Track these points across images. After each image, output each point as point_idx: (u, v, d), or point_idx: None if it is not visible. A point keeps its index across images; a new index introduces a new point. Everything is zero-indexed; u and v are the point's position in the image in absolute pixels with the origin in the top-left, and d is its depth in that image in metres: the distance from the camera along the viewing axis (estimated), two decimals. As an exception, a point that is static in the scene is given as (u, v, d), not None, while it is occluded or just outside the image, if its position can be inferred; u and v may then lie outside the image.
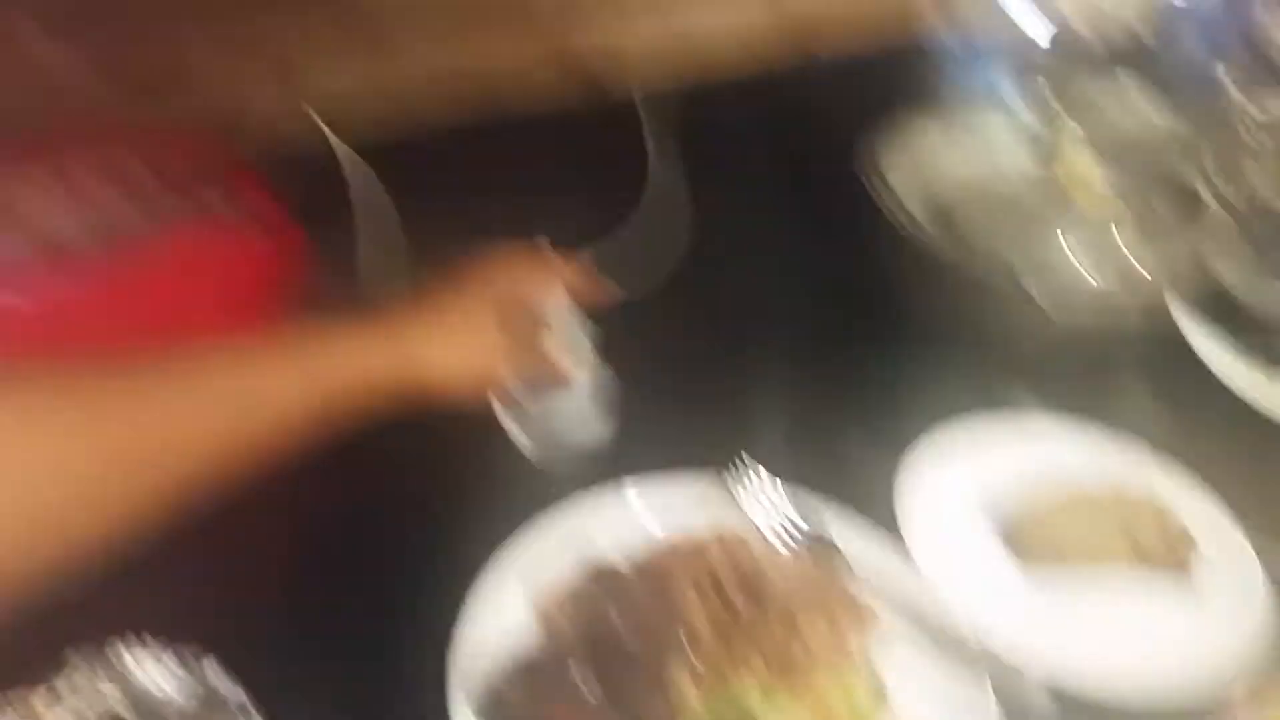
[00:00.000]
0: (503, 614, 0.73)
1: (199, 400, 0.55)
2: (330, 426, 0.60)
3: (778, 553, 0.78)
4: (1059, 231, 1.01)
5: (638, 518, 0.81)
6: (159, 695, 0.57)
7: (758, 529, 0.81)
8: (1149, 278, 1.00)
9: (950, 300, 1.00)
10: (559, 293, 0.80)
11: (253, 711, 0.58)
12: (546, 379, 0.81)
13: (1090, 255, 1.00)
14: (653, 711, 0.66)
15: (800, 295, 1.05)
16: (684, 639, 0.70)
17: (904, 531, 0.81)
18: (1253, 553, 0.84)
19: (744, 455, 0.84)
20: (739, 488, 0.83)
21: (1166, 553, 0.83)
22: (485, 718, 0.66)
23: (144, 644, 0.59)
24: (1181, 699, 0.73)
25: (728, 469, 0.84)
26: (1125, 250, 1.00)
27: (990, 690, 0.70)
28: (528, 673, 0.68)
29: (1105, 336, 0.99)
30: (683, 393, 0.92)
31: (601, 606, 0.73)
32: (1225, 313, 1.03)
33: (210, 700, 0.58)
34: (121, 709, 0.57)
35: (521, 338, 0.76)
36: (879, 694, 0.70)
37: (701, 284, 1.04)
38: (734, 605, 0.73)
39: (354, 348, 0.63)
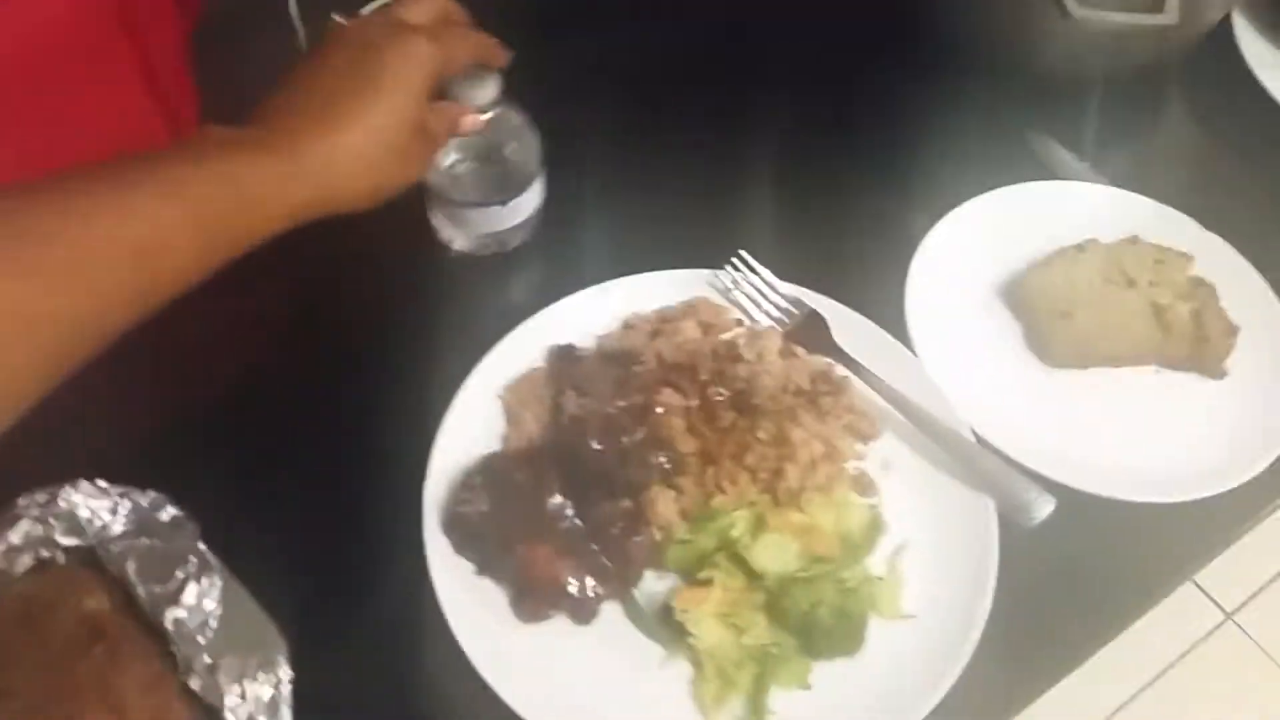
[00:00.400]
0: (476, 429, 0.69)
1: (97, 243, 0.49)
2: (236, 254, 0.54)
3: (772, 356, 0.72)
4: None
5: (619, 311, 0.75)
6: (110, 531, 0.56)
7: (752, 326, 0.75)
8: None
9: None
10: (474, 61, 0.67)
11: (208, 552, 0.57)
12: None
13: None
14: (636, 539, 0.64)
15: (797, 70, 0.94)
16: (663, 456, 0.66)
17: (912, 332, 0.74)
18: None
19: (741, 254, 0.77)
20: (736, 287, 0.76)
21: (1197, 336, 0.75)
22: (462, 552, 0.64)
23: (94, 484, 0.58)
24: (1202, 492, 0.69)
25: (724, 268, 0.77)
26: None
27: (993, 509, 0.66)
28: (504, 507, 0.64)
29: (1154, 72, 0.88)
30: (673, 190, 0.84)
31: (573, 398, 0.69)
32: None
33: (160, 530, 0.57)
34: (69, 542, 0.56)
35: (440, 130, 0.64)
36: (874, 519, 0.67)
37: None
38: (720, 419, 0.69)
39: (254, 180, 0.54)
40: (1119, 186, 0.84)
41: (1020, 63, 0.87)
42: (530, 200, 0.77)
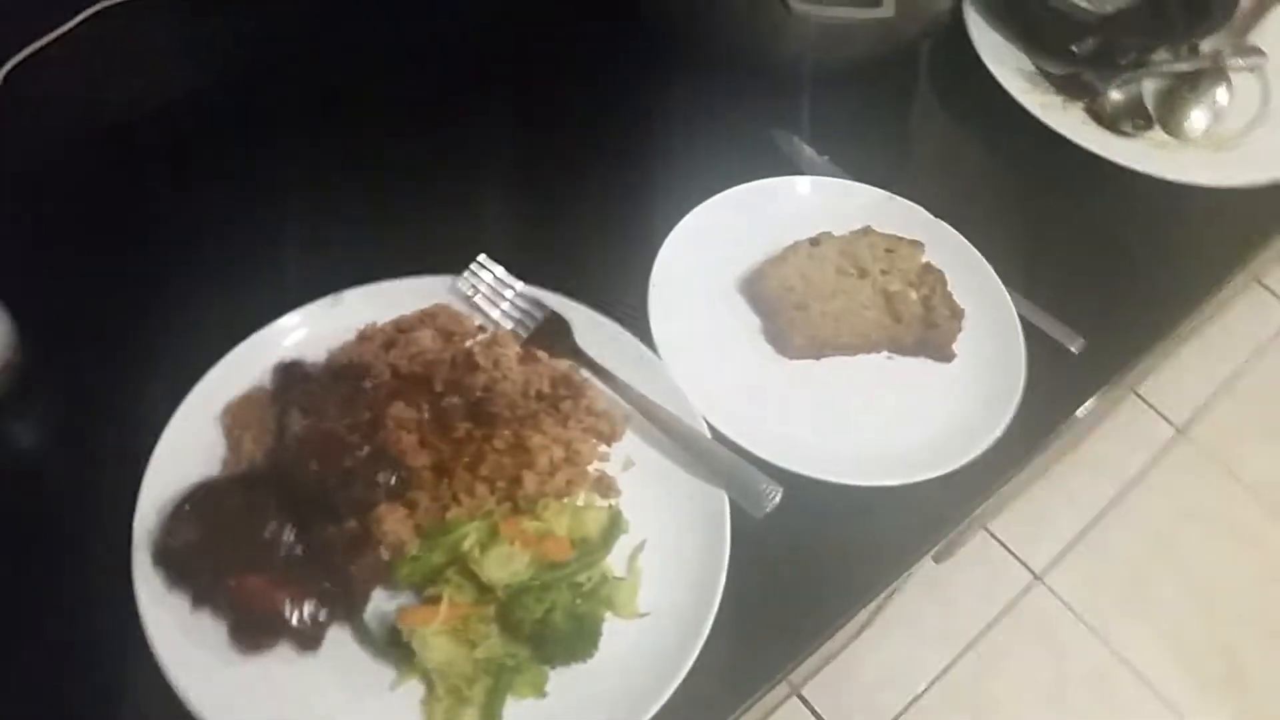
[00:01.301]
0: (193, 455, 0.66)
1: None
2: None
3: (510, 362, 0.70)
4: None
5: (353, 322, 0.73)
6: None
7: (493, 329, 0.74)
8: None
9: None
10: None
11: None
12: None
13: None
14: (360, 560, 0.61)
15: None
16: (391, 473, 0.64)
17: (655, 331, 0.74)
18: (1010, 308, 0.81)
19: (481, 258, 0.76)
20: (476, 290, 0.75)
21: (926, 322, 0.79)
22: (176, 586, 0.60)
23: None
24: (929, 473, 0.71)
25: (464, 273, 0.75)
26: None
27: (725, 502, 0.67)
28: (216, 536, 0.61)
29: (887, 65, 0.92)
30: (411, 194, 0.82)
31: (296, 417, 0.66)
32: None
33: None
34: None
35: None
36: (614, 520, 0.66)
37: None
38: (454, 430, 0.67)
39: None
40: (859, 180, 0.87)
41: (756, 59, 0.89)
42: None
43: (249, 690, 0.59)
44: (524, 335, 0.74)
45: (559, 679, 0.61)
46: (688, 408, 0.71)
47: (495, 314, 0.74)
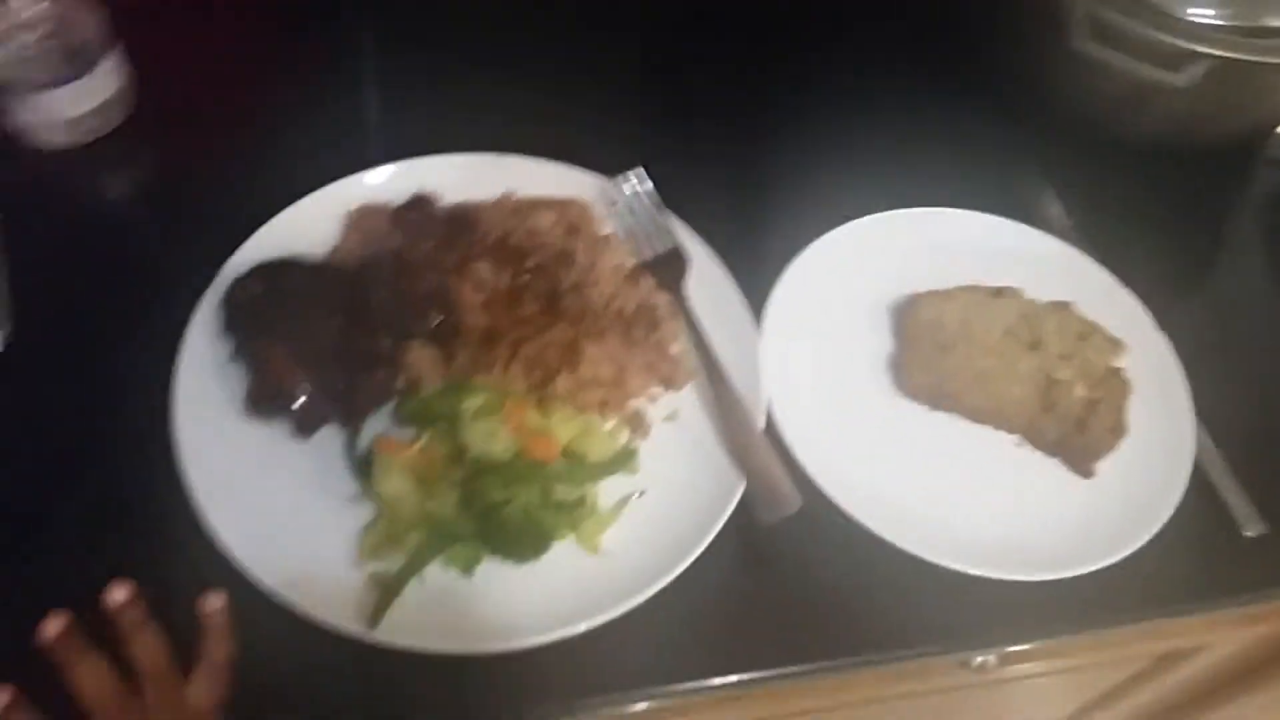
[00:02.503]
0: (310, 232, 0.70)
1: None
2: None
3: (606, 271, 0.69)
4: None
5: (505, 182, 0.74)
6: None
7: (610, 236, 0.72)
8: None
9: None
10: None
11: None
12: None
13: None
14: (374, 383, 0.63)
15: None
16: (440, 316, 0.65)
17: (771, 306, 0.70)
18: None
19: (640, 171, 0.74)
20: (620, 198, 0.74)
21: (1078, 424, 0.68)
22: (226, 331, 0.65)
23: None
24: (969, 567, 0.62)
25: (616, 178, 0.74)
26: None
27: (738, 492, 0.62)
28: (277, 301, 0.64)
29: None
30: (606, 95, 0.83)
31: (396, 236, 0.69)
32: None
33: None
34: None
35: None
36: (624, 457, 0.63)
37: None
38: (522, 307, 0.67)
39: None
40: (1096, 258, 0.76)
41: (1032, 93, 0.81)
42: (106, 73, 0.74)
43: (234, 446, 0.61)
44: (645, 257, 0.71)
45: (490, 571, 0.59)
46: (757, 392, 0.65)
47: (628, 224, 0.73)
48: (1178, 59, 0.71)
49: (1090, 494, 0.67)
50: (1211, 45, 0.71)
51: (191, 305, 0.66)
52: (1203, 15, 0.74)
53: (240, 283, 0.65)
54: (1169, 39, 0.71)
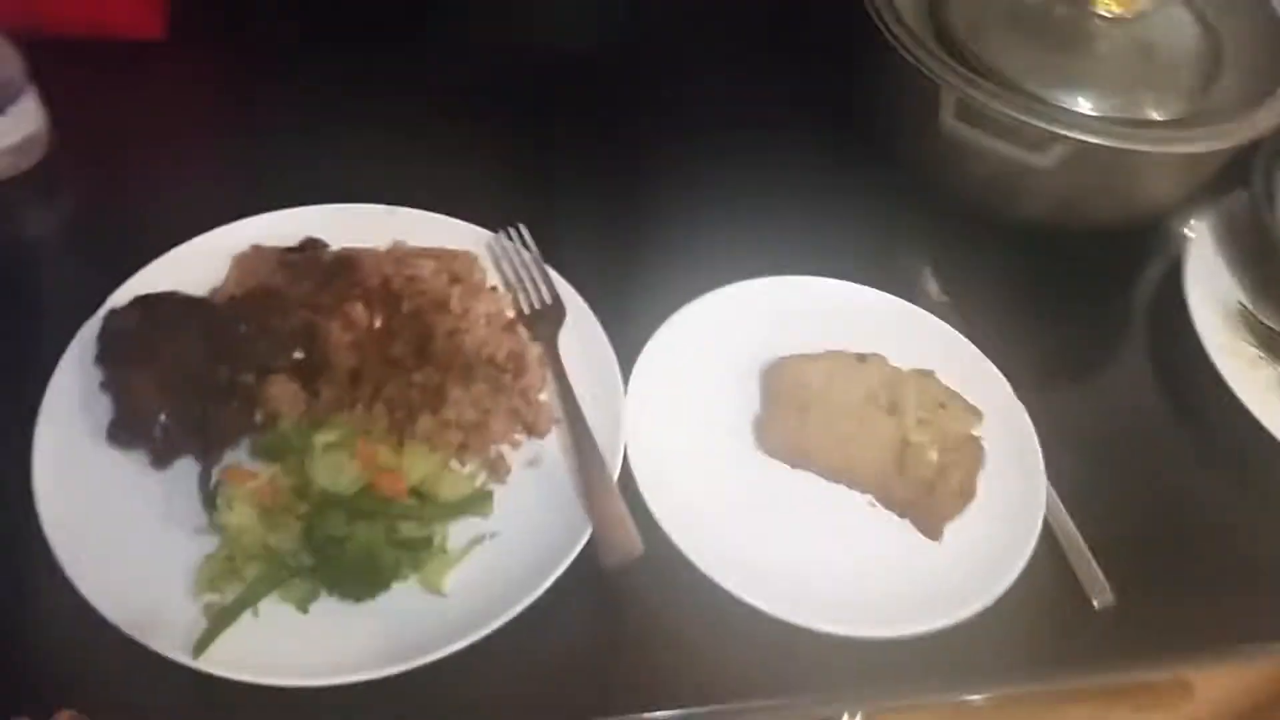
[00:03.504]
0: (196, 274, 0.72)
1: None
2: None
3: (478, 318, 0.71)
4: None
5: (393, 232, 0.76)
6: None
7: (491, 287, 0.75)
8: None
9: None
10: None
11: None
12: None
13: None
14: (229, 414, 0.64)
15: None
16: (301, 352, 0.66)
17: (641, 361, 0.72)
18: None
19: (521, 226, 0.77)
20: (504, 251, 0.76)
21: (927, 487, 0.69)
22: (98, 361, 0.66)
23: None
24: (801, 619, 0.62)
25: (500, 231, 0.77)
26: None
27: (584, 535, 0.63)
28: (149, 334, 0.66)
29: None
30: (492, 150, 0.86)
31: (280, 276, 0.71)
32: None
33: None
34: None
35: None
36: (477, 499, 0.64)
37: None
38: (391, 349, 0.69)
39: None
40: (969, 335, 0.78)
41: (908, 171, 0.84)
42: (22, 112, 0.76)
43: (93, 476, 0.62)
44: (523, 309, 0.74)
45: (325, 607, 0.60)
46: (615, 440, 0.67)
47: (509, 277, 0.75)
48: (1041, 141, 0.74)
49: (938, 556, 0.68)
50: (1072, 129, 0.74)
51: (69, 337, 0.67)
52: (1072, 103, 0.78)
53: (116, 313, 0.67)
54: (1031, 121, 0.74)
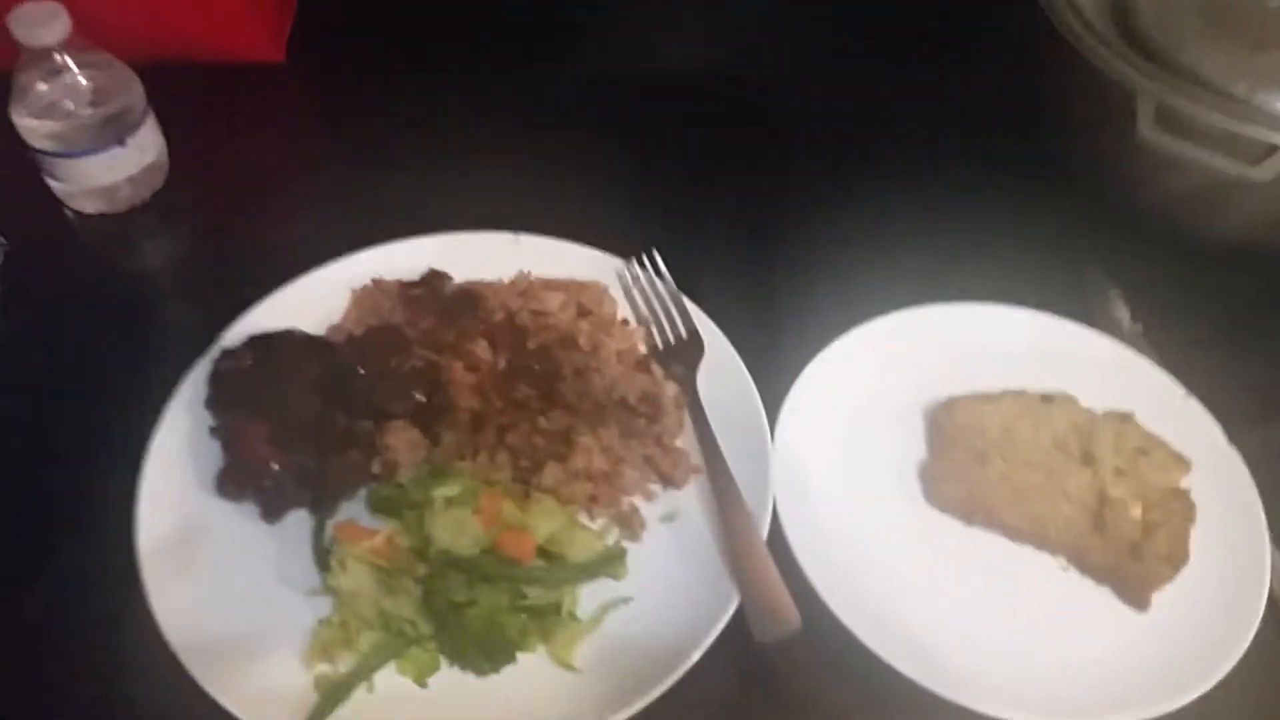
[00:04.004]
0: (315, 309, 0.67)
1: None
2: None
3: (609, 356, 0.64)
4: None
5: (521, 262, 0.70)
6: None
7: (622, 322, 0.68)
8: None
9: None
10: None
11: None
12: None
13: None
14: (345, 465, 0.59)
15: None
16: (422, 395, 0.61)
17: (788, 404, 0.64)
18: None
19: (654, 252, 0.70)
20: (636, 280, 0.70)
21: (1133, 551, 0.59)
22: (209, 405, 0.62)
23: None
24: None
25: (632, 258, 0.70)
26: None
27: (731, 606, 0.55)
28: (261, 378, 0.62)
29: None
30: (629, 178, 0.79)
31: (400, 312, 0.66)
32: None
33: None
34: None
35: None
36: (610, 559, 0.57)
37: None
38: (515, 391, 0.62)
39: None
40: (1160, 364, 0.68)
41: (1094, 188, 0.74)
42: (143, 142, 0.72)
43: (199, 526, 0.58)
44: (657, 344, 0.67)
45: (448, 679, 0.54)
46: (764, 495, 0.59)
47: (642, 309, 0.68)
48: (1257, 152, 0.64)
49: (1145, 629, 0.58)
50: (1296, 135, 0.63)
51: (180, 376, 0.63)
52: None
53: (229, 353, 0.63)
54: (1248, 129, 0.64)
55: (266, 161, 0.82)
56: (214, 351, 0.64)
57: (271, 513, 0.59)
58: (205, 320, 0.66)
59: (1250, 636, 0.56)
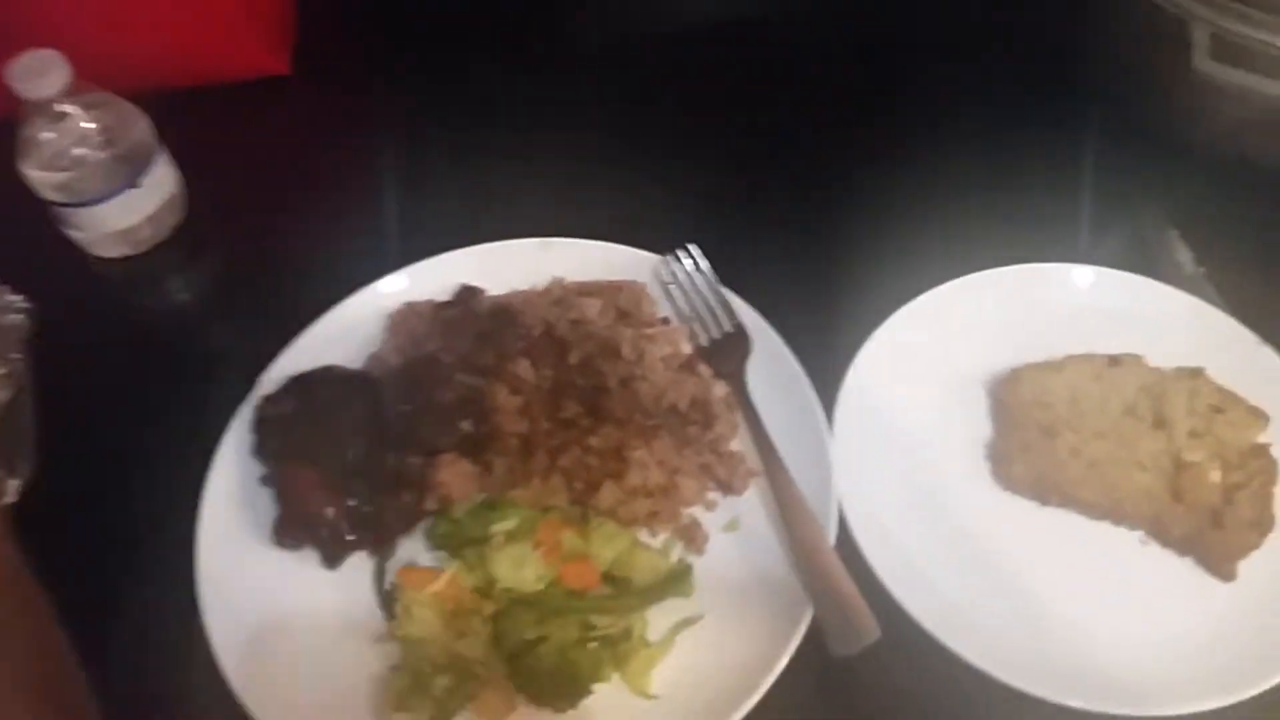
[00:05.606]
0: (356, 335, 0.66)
1: None
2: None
3: (654, 362, 0.63)
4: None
5: (552, 269, 0.68)
6: None
7: (664, 321, 0.66)
8: None
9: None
10: None
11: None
12: None
13: None
14: (400, 505, 0.58)
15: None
16: (470, 424, 0.60)
17: (843, 394, 0.61)
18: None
19: (691, 247, 0.68)
20: (674, 277, 0.67)
21: (1214, 518, 0.57)
22: (256, 454, 0.61)
23: None
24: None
25: (668, 253, 0.68)
26: None
27: (805, 621, 0.54)
28: (304, 421, 0.60)
29: None
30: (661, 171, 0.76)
31: (437, 335, 0.64)
32: None
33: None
34: None
35: None
36: (677, 576, 0.56)
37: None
38: (563, 410, 0.61)
39: None
40: (1235, 314, 0.65)
41: (1151, 126, 0.70)
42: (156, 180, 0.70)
43: (258, 578, 0.58)
44: (701, 342, 0.65)
45: (528, 717, 0.53)
46: (828, 495, 0.57)
47: (683, 306, 0.66)
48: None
49: (1233, 600, 0.56)
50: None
51: (226, 421, 0.62)
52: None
53: (271, 400, 0.62)
54: (1307, 51, 0.60)
55: (283, 179, 0.80)
56: (255, 397, 0.63)
57: (331, 560, 0.58)
58: (244, 356, 0.65)
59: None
